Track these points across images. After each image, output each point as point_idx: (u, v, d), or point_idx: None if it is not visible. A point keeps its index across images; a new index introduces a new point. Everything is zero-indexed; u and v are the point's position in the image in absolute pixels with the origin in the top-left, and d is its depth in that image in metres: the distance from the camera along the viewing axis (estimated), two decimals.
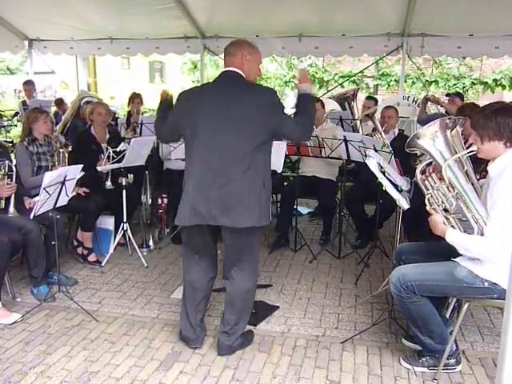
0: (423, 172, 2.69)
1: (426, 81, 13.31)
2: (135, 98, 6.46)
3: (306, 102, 2.80)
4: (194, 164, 2.70)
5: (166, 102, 3.10)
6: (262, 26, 6.99)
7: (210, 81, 2.94)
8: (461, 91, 12.07)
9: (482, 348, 3.05)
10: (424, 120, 5.84)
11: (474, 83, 13.78)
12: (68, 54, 8.37)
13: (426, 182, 2.66)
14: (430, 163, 2.74)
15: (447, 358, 2.71)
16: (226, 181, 2.61)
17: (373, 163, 2.84)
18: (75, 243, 4.43)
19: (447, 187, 2.59)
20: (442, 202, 2.60)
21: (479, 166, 2.92)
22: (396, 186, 3.03)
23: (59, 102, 7.55)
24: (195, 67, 14.68)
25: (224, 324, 2.90)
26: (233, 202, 2.61)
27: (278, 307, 3.56)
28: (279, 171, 4.16)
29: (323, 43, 7.27)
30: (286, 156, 4.71)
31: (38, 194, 3.45)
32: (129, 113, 6.52)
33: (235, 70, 2.73)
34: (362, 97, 7.59)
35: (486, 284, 2.50)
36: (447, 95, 6.51)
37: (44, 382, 2.64)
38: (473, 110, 3.73)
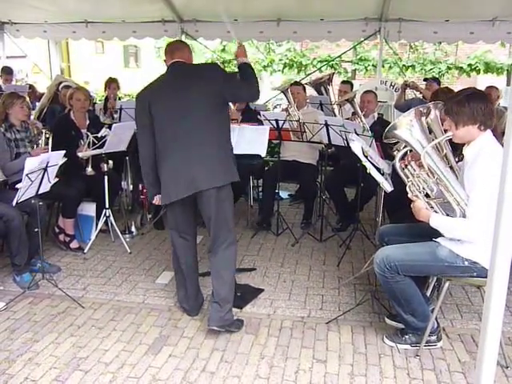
0: (402, 160, 2.75)
1: (403, 65, 13.42)
2: (111, 83, 6.37)
3: (247, 68, 3.07)
4: (166, 148, 2.93)
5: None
6: (240, 10, 6.92)
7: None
8: (437, 76, 12.25)
9: (461, 325, 3.17)
10: (402, 105, 5.94)
11: (449, 68, 13.97)
12: (42, 37, 8.18)
13: (406, 170, 2.71)
14: (408, 151, 2.80)
15: (429, 335, 2.81)
16: (202, 152, 2.87)
17: (357, 146, 2.89)
18: (57, 230, 4.39)
19: (427, 173, 2.65)
20: (423, 189, 2.67)
21: (458, 148, 3.00)
22: (378, 169, 3.08)
23: (29, 88, 7.37)
24: None
25: (214, 296, 3.00)
26: (211, 167, 2.89)
27: (262, 290, 3.62)
28: (263, 155, 4.19)
29: (301, 28, 7.26)
30: (268, 141, 4.73)
31: (18, 181, 3.41)
32: (106, 98, 6.44)
33: (179, 60, 3.02)
34: (338, 81, 7.62)
35: (466, 263, 2.59)
36: (425, 80, 6.59)
37: (32, 369, 2.64)
38: (447, 95, 3.81)
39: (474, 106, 2.52)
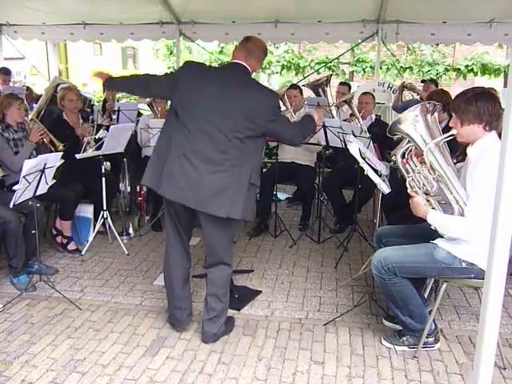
0: (404, 156, 2.75)
1: (401, 67, 13.47)
2: None
3: (310, 122, 3.01)
4: (178, 138, 2.69)
5: (109, 81, 2.96)
6: (238, 11, 6.94)
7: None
8: (434, 77, 12.28)
9: (458, 326, 3.17)
10: (399, 107, 5.95)
11: (447, 69, 14.02)
12: (39, 39, 8.15)
13: (407, 166, 2.71)
14: (409, 147, 2.80)
15: (426, 337, 2.81)
16: (212, 170, 2.64)
17: (354, 148, 2.89)
18: (54, 232, 4.38)
19: (428, 170, 2.65)
20: (423, 185, 2.66)
21: (456, 151, 3.00)
22: (376, 171, 3.08)
23: (27, 90, 7.36)
24: (171, 53, 14.50)
25: (208, 312, 2.91)
26: (217, 191, 2.64)
27: (260, 292, 3.61)
28: None
29: (299, 30, 7.28)
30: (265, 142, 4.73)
31: (15, 183, 3.40)
32: (104, 100, 6.43)
33: (245, 66, 2.77)
34: (335, 83, 7.63)
35: (463, 264, 2.59)
36: (422, 82, 6.61)
37: (29, 371, 2.63)
38: (441, 97, 3.82)
39: (481, 105, 2.51)
